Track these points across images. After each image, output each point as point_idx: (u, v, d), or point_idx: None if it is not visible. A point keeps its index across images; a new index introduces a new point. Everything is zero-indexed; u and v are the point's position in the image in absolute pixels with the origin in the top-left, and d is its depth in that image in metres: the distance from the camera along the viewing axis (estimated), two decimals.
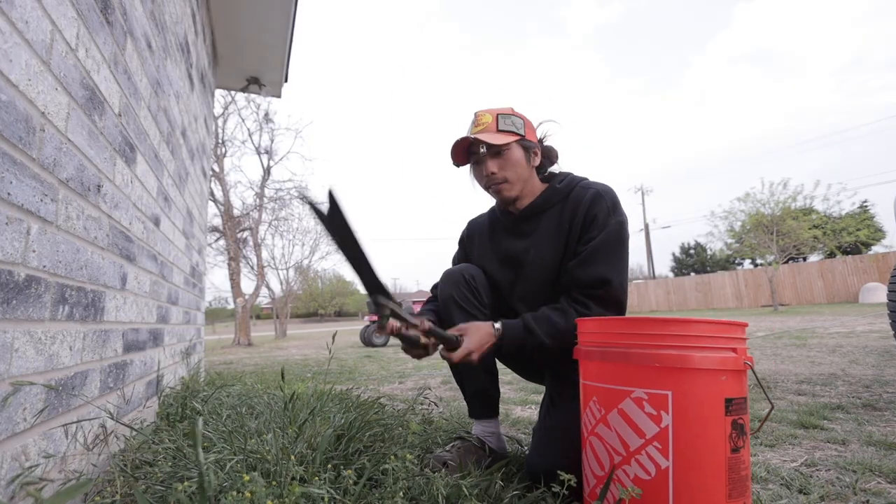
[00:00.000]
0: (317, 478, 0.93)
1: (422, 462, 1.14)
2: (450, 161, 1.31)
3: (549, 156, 1.36)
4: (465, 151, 1.30)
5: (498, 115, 1.26)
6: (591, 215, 1.20)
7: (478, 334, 1.14)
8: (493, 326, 1.17)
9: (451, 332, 1.14)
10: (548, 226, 1.28)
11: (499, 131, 1.24)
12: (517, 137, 1.24)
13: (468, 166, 1.34)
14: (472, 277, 1.34)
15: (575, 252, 1.22)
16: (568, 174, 1.34)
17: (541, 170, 1.35)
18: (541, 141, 1.35)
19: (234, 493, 0.73)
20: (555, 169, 1.38)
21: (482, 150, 1.24)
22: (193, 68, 2.59)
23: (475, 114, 1.30)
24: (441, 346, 1.15)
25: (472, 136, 1.23)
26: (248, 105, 11.59)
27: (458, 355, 1.10)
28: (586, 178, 1.32)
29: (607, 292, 1.14)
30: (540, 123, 1.36)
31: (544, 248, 1.27)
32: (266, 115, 11.97)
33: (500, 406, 1.68)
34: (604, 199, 1.21)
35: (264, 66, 3.98)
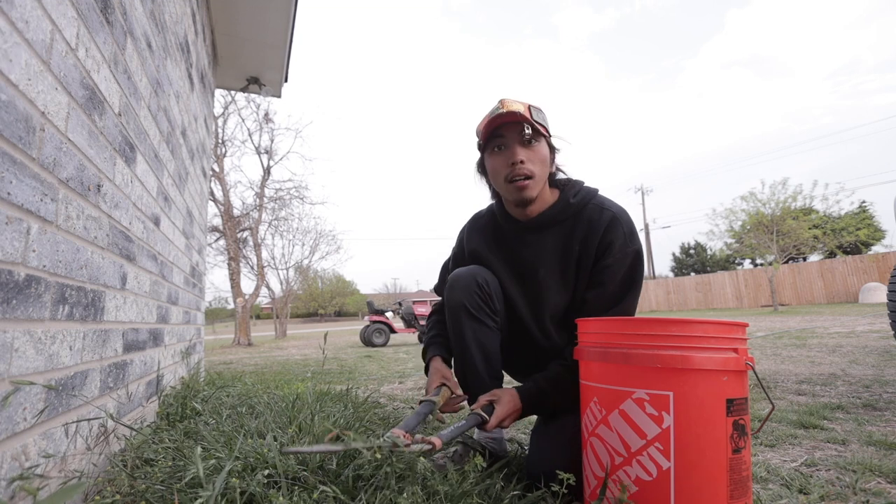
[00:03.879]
0: (318, 477, 0.93)
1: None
2: (469, 147, 1.23)
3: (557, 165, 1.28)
4: (491, 133, 1.17)
5: (530, 106, 1.14)
6: (607, 241, 1.15)
7: (507, 406, 1.12)
8: (517, 398, 1.16)
9: (484, 398, 1.13)
10: (555, 244, 1.22)
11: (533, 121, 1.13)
12: (547, 135, 1.18)
13: (478, 159, 1.26)
14: (485, 283, 1.26)
15: (589, 280, 1.17)
16: (580, 185, 1.27)
17: (551, 176, 1.25)
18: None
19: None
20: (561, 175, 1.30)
21: (527, 131, 1.12)
22: (193, 68, 2.59)
23: (501, 101, 1.15)
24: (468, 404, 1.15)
25: (521, 113, 1.10)
26: (248, 105, 11.58)
27: (492, 424, 1.09)
28: (598, 192, 1.26)
29: None
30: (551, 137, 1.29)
31: (556, 270, 1.22)
32: (266, 115, 11.97)
33: None
34: (621, 225, 1.16)
35: (264, 66, 3.98)
